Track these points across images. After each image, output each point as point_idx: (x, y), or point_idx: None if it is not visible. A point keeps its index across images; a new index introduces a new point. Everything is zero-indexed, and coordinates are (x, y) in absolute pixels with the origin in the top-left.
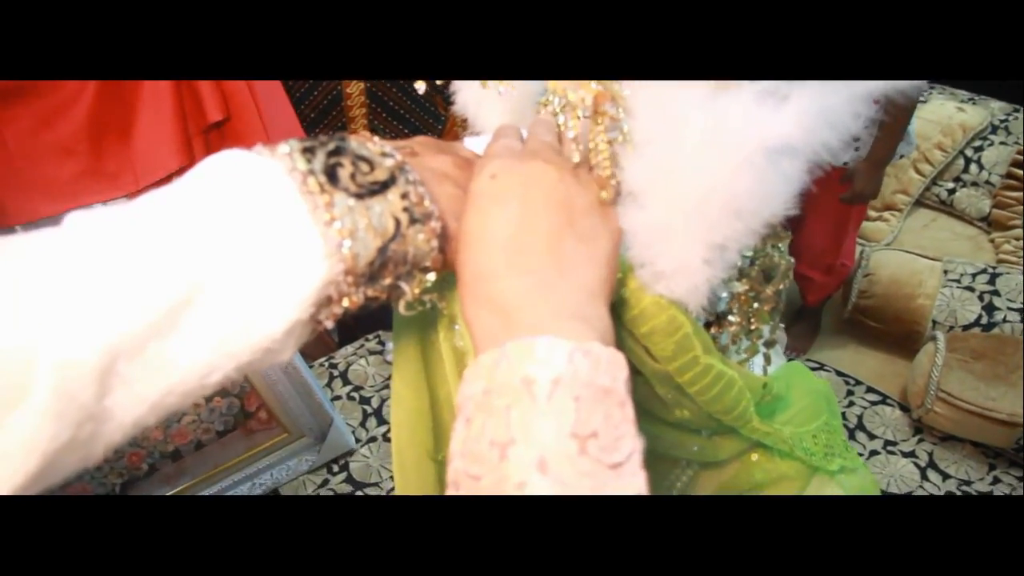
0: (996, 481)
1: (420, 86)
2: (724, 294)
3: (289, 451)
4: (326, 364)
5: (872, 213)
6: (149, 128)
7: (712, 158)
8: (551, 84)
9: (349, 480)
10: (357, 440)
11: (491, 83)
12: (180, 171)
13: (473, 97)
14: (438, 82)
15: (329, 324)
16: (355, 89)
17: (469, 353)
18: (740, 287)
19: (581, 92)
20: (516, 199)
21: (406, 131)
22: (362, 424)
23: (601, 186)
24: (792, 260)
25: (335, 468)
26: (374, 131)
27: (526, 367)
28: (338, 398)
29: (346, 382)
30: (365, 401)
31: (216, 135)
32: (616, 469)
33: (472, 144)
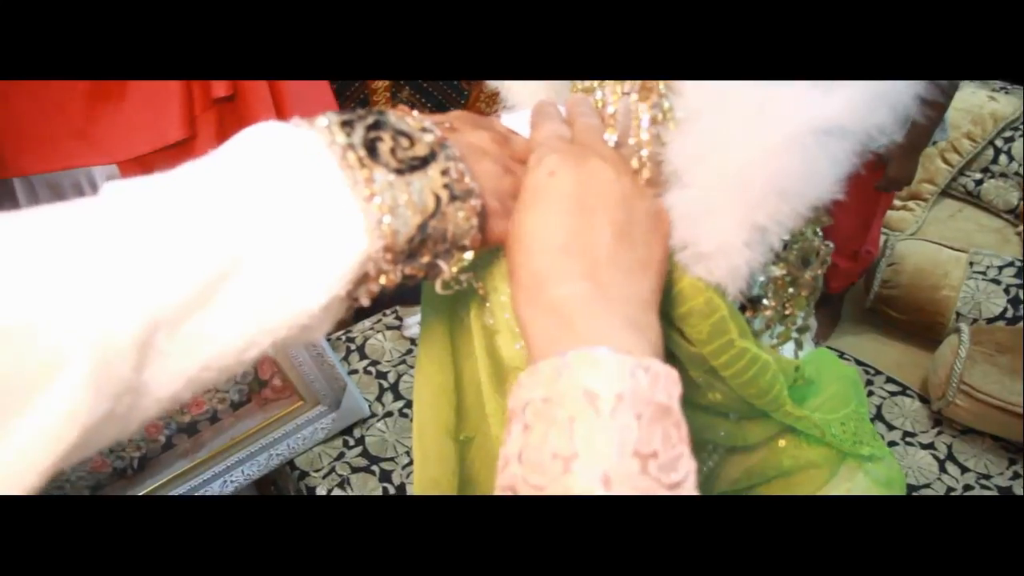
0: (1016, 476)
1: None
2: (761, 278)
3: (305, 419)
4: (343, 338)
5: (897, 202)
6: (147, 97)
7: (759, 136)
8: None
9: (365, 454)
10: (373, 414)
11: None
12: (179, 144)
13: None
14: None
15: (365, 301)
16: (380, 85)
17: (500, 333)
18: (777, 271)
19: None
20: (576, 201)
21: (429, 105)
22: (378, 399)
23: (641, 165)
24: (831, 245)
25: (351, 442)
26: (396, 104)
27: (589, 380)
28: (355, 372)
29: (363, 356)
30: (382, 376)
31: (229, 111)
32: (674, 488)
33: (509, 121)
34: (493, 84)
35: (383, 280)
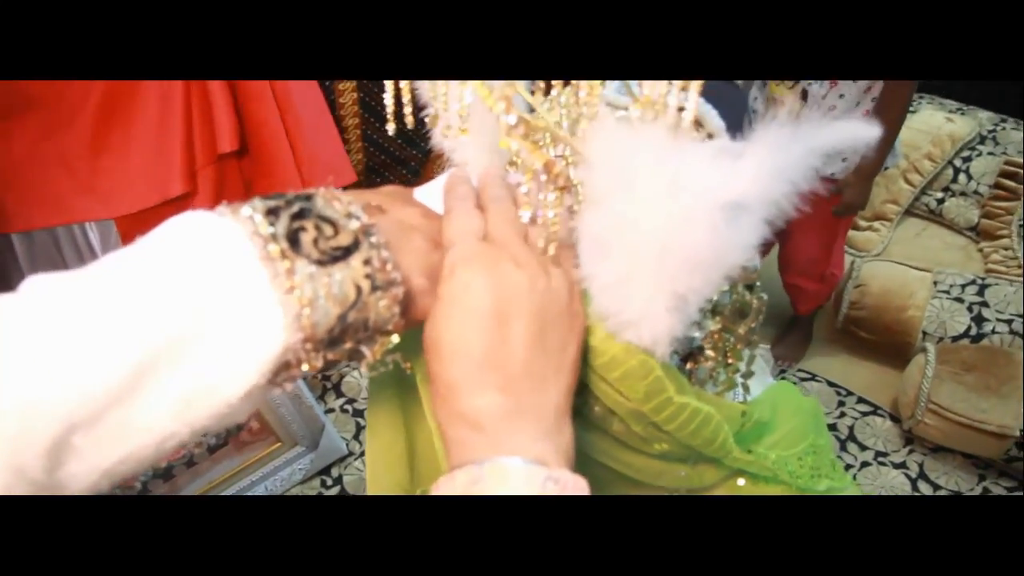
0: (986, 492)
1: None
2: (697, 334)
3: (283, 460)
4: (319, 376)
5: (862, 223)
6: (151, 151)
7: (669, 214)
8: (501, 143)
9: (343, 493)
10: (351, 453)
11: (452, 128)
12: (180, 200)
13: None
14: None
15: (288, 387)
16: (348, 99)
17: None
18: (713, 325)
19: (534, 156)
20: (491, 314)
21: (399, 141)
22: (355, 437)
23: (551, 240)
24: (765, 297)
25: (329, 481)
26: (367, 139)
27: (501, 490)
28: (331, 410)
29: (339, 394)
30: (358, 414)
31: (245, 164)
32: None
33: (421, 195)
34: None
35: (305, 367)
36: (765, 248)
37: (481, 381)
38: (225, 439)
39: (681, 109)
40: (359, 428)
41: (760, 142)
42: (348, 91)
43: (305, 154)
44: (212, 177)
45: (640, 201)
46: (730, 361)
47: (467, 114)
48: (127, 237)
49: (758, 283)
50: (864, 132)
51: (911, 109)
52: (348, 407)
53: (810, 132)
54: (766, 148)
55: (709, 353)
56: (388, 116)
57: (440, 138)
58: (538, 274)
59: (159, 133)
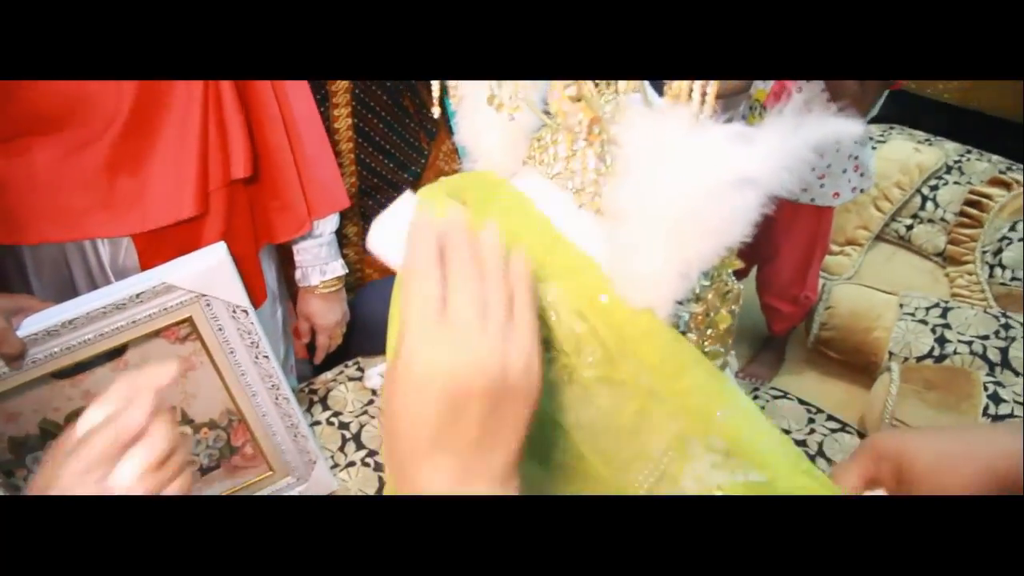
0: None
1: (436, 111)
2: (684, 316)
3: (273, 490)
4: (306, 389)
5: (835, 247)
6: (167, 171)
7: (688, 185)
8: (553, 107)
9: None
10: (335, 465)
11: (505, 105)
12: (192, 220)
13: (472, 128)
14: (426, 119)
15: None
16: (343, 124)
17: None
18: (697, 308)
19: (580, 115)
20: (444, 392)
21: (391, 165)
22: (341, 449)
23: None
24: (740, 287)
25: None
26: (360, 163)
27: None
28: (317, 423)
29: (325, 407)
30: (344, 426)
31: (253, 188)
32: None
33: (382, 223)
34: (461, 141)
35: None
36: (743, 270)
37: (432, 458)
38: (218, 461)
39: (703, 96)
40: (344, 440)
41: (769, 130)
42: (343, 117)
43: (308, 179)
44: (223, 199)
45: (663, 173)
46: (707, 348)
47: (517, 93)
48: (144, 253)
49: (739, 285)
50: (848, 128)
51: (881, 139)
52: (334, 420)
53: (809, 125)
54: (774, 135)
55: (691, 337)
56: (435, 101)
57: (465, 126)
58: (494, 353)
59: (176, 157)
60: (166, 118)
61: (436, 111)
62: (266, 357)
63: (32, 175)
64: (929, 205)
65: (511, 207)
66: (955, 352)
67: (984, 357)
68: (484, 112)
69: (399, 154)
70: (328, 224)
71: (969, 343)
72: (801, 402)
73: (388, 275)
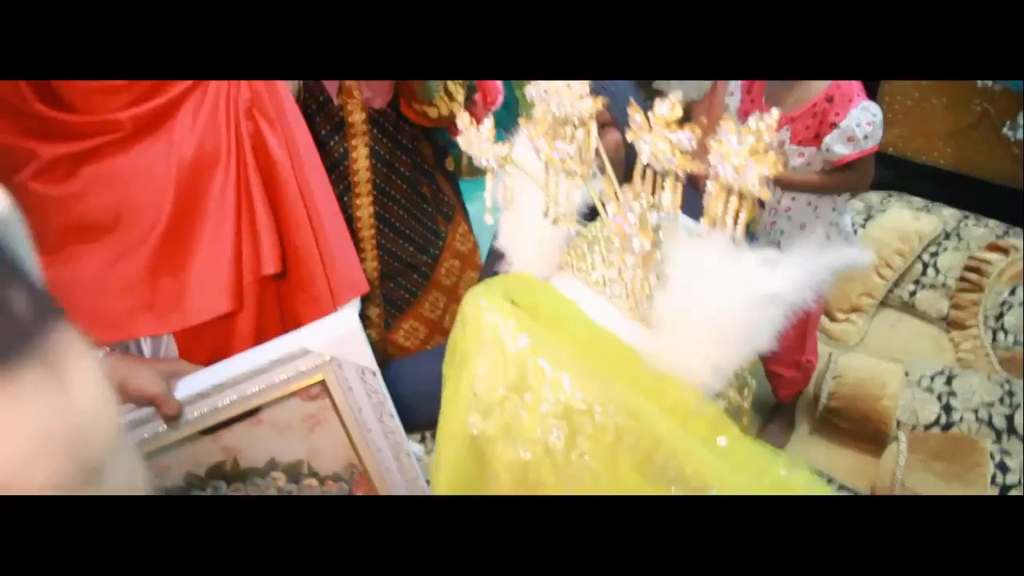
0: None
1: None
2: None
3: None
4: None
5: (839, 315)
6: (204, 271)
7: (725, 301)
8: (611, 226)
9: None
10: None
11: (560, 220)
12: (228, 316)
13: (513, 234)
14: (442, 209)
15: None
16: (364, 212)
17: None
18: (720, 403)
19: (639, 241)
20: None
21: (411, 248)
22: None
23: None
24: (754, 382)
25: None
26: (381, 248)
27: None
28: None
29: None
30: None
31: (282, 283)
32: None
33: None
34: (500, 246)
35: None
36: None
37: None
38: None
39: (736, 220)
40: None
41: (794, 256)
42: (365, 205)
43: (332, 270)
44: (254, 294)
45: (704, 290)
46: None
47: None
48: (183, 346)
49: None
50: (862, 258)
51: (880, 208)
52: None
53: (829, 253)
54: (798, 261)
55: None
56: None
57: (506, 232)
58: None
59: (212, 257)
60: (202, 222)
61: (489, 219)
62: (391, 416)
63: (79, 282)
64: (930, 271)
65: (560, 313)
66: (961, 420)
67: (990, 424)
68: (525, 219)
69: (418, 238)
70: (351, 311)
71: (975, 410)
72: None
73: (409, 354)
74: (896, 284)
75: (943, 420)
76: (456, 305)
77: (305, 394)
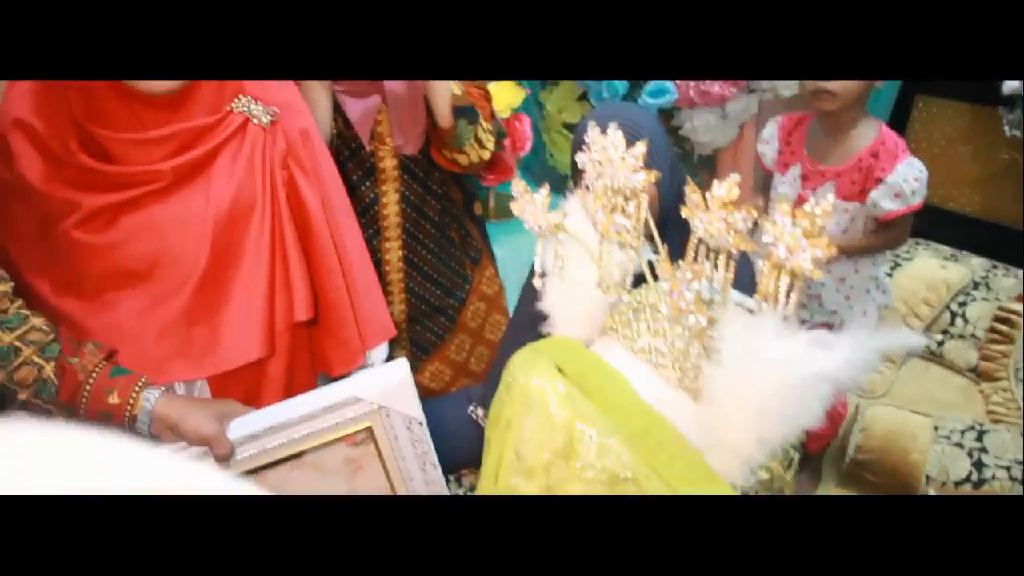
0: None
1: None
2: (752, 480)
3: None
4: None
5: None
6: (238, 318)
7: (776, 379)
8: (667, 302)
9: None
10: None
11: (611, 289)
12: (259, 362)
13: (558, 298)
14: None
15: None
16: (393, 256)
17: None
18: (763, 475)
19: (695, 318)
20: None
21: (438, 292)
22: None
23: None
24: (798, 455)
25: None
26: (409, 291)
27: None
28: None
29: None
30: None
31: (313, 329)
32: None
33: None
34: (545, 309)
35: None
36: None
37: None
38: None
39: (787, 300)
40: None
41: (847, 339)
42: (394, 249)
43: (361, 315)
44: (286, 339)
45: (756, 367)
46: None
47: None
48: (215, 389)
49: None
50: (914, 340)
51: (906, 256)
52: None
53: (881, 337)
54: (851, 343)
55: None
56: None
57: (551, 295)
58: None
59: (246, 305)
60: (237, 270)
61: (537, 283)
62: (434, 466)
63: (117, 327)
64: (959, 321)
65: (608, 385)
66: (994, 477)
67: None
68: (571, 283)
69: (446, 281)
70: (378, 354)
71: (1007, 468)
72: None
73: (434, 396)
74: (924, 333)
75: (974, 477)
76: (482, 347)
77: (351, 439)
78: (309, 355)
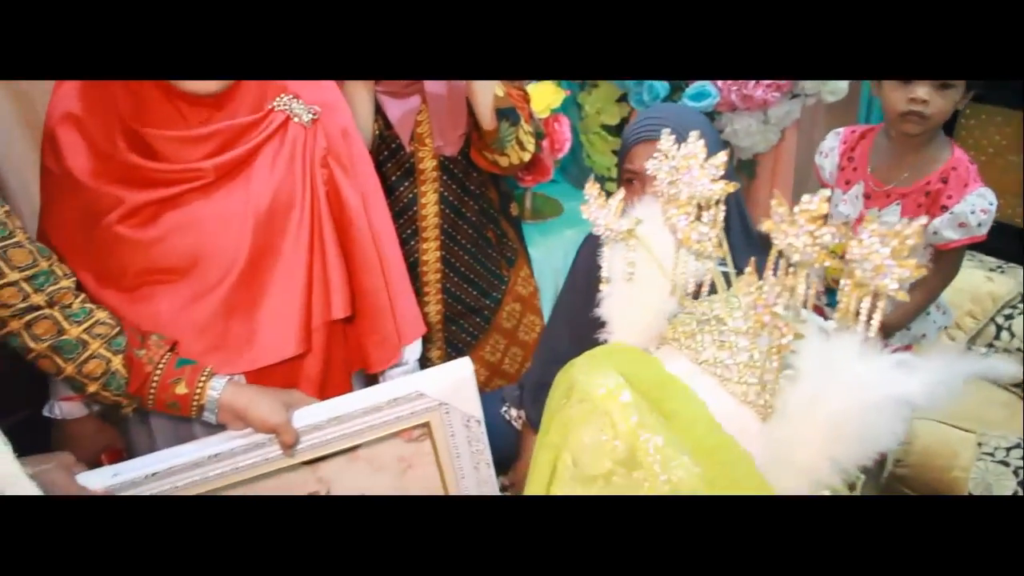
0: None
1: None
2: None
3: None
4: None
5: None
6: (275, 314)
7: (853, 401)
8: (746, 320)
9: None
10: None
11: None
12: (295, 358)
13: (618, 303)
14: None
15: None
16: (431, 257)
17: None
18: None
19: (782, 334)
20: None
21: (475, 292)
22: None
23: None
24: (863, 477)
25: None
26: (446, 291)
27: None
28: None
29: None
30: None
31: (350, 327)
32: None
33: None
34: (605, 316)
35: None
36: None
37: None
38: None
39: (869, 319)
40: None
41: (933, 361)
42: (432, 250)
43: (397, 311)
44: (322, 336)
45: (833, 387)
46: None
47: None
48: (250, 381)
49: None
50: (1005, 369)
51: None
52: None
53: (967, 362)
54: (936, 367)
55: None
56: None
57: (611, 301)
58: None
59: (283, 301)
60: (276, 267)
61: (604, 288)
62: (487, 465)
63: (154, 320)
64: (1004, 335)
65: (673, 398)
66: None
67: None
68: (634, 290)
69: (482, 282)
70: (413, 352)
71: None
72: None
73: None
74: (968, 346)
75: (1020, 496)
76: (516, 348)
77: (407, 435)
78: (344, 352)
